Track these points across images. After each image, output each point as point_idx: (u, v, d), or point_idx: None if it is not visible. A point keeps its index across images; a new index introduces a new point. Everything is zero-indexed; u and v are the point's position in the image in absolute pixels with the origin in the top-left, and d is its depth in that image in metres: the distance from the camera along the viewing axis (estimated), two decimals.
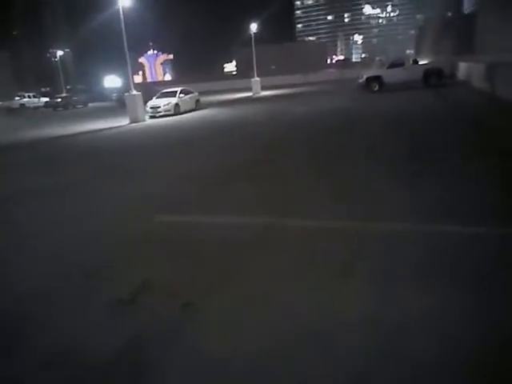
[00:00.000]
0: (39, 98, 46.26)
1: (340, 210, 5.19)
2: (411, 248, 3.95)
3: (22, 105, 44.03)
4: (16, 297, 3.79)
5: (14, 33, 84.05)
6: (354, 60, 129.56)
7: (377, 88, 22.86)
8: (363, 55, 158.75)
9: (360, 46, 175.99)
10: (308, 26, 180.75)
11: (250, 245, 4.43)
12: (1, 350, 3.05)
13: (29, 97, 45.85)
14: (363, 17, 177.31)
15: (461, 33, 58.27)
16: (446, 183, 5.86)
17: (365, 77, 23.65)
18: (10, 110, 42.30)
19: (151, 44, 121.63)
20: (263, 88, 35.94)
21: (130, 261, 4.33)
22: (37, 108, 43.42)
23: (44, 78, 73.05)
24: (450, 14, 67.32)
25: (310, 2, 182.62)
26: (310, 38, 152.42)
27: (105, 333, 3.11)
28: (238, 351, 2.74)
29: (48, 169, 10.33)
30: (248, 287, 3.55)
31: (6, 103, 44.07)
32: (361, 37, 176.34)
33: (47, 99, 43.62)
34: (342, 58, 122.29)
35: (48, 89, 65.32)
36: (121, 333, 3.06)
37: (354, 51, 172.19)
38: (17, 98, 45.04)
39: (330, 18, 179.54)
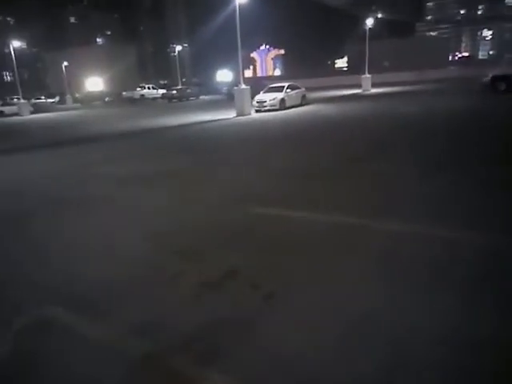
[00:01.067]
0: (157, 89, 49.58)
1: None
2: None
3: (142, 95, 47.54)
4: None
5: (141, 27, 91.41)
6: (480, 57, 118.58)
7: (503, 88, 20.22)
8: (491, 52, 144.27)
9: (488, 43, 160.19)
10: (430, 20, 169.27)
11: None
12: None
13: (148, 88, 49.36)
14: (498, 8, 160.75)
15: None
16: None
17: (490, 75, 21.07)
18: (132, 100, 46.03)
19: (263, 39, 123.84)
20: (374, 85, 34.22)
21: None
22: (155, 99, 46.59)
23: (163, 71, 78.40)
24: None
25: None
26: (432, 33, 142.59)
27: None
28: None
29: (155, 157, 10.71)
30: None
31: (129, 93, 48.04)
32: (490, 32, 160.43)
33: (164, 91, 46.54)
34: (466, 54, 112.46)
35: (166, 81, 70.03)
36: None
37: (481, 48, 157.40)
38: (138, 89, 48.74)
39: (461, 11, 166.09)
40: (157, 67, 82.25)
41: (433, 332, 2.76)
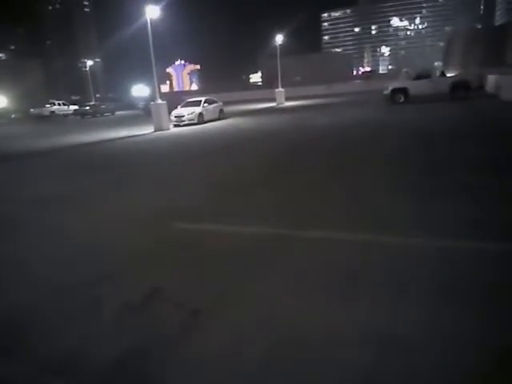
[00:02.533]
0: (69, 105, 47.54)
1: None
2: None
3: (53, 112, 45.30)
4: None
5: (48, 42, 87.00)
6: (380, 71, 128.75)
7: (402, 100, 22.56)
8: (390, 67, 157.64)
9: (387, 58, 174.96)
10: (335, 37, 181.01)
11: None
12: None
13: (59, 104, 47.15)
14: (391, 29, 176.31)
15: (491, 45, 57.15)
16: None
17: (390, 88, 23.37)
18: (41, 117, 43.65)
19: (179, 55, 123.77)
20: (288, 99, 36.00)
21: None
22: (66, 115, 44.65)
23: (74, 86, 75.26)
24: (479, 26, 66.22)
25: (337, 14, 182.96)
26: (337, 50, 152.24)
27: None
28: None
29: (68, 175, 10.50)
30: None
31: (37, 110, 45.48)
32: (388, 48, 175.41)
33: (76, 107, 44.80)
34: (368, 69, 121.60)
35: (78, 97, 67.32)
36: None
37: (380, 63, 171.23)
38: (47, 106, 46.36)
39: (357, 29, 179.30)
40: (68, 82, 78.68)
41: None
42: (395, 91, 22.99)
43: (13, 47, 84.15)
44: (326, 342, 2.85)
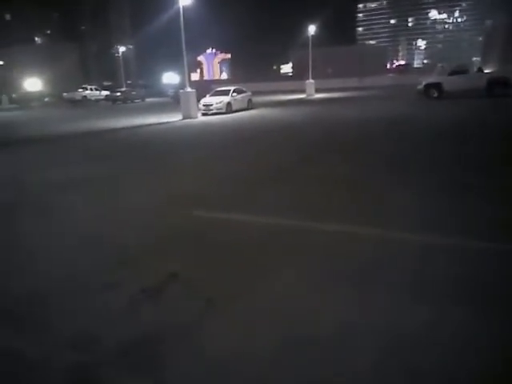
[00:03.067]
0: (100, 91, 48.20)
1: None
2: None
3: (85, 97, 46.02)
4: None
5: (82, 27, 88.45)
6: (415, 65, 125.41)
7: (436, 95, 21.85)
8: (425, 61, 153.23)
9: (423, 52, 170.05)
10: (369, 29, 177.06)
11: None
12: None
13: (91, 89, 47.87)
14: (428, 21, 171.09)
15: None
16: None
17: (424, 83, 22.69)
18: (73, 102, 44.47)
19: (210, 43, 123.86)
20: (318, 90, 35.49)
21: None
22: (98, 101, 45.28)
23: (107, 72, 76.37)
24: None
25: (373, 5, 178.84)
26: (371, 42, 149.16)
27: None
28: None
29: (100, 160, 10.60)
30: None
31: (70, 95, 46.33)
32: (424, 42, 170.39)
33: (108, 93, 45.37)
34: (402, 62, 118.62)
35: (110, 83, 68.24)
36: None
37: (416, 56, 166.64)
38: (79, 90, 47.15)
39: (392, 21, 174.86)
40: (100, 68, 79.92)
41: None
42: (429, 86, 22.30)
43: (48, 31, 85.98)
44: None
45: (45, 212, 6.21)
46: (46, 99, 49.15)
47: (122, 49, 57.04)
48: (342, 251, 4.13)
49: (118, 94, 42.09)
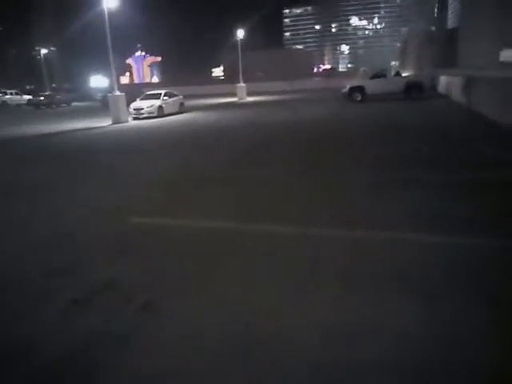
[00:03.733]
0: (22, 95, 45.56)
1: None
2: None
3: (4, 102, 43.32)
4: None
5: (0, 28, 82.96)
6: (340, 69, 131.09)
7: (359, 98, 23.30)
8: (349, 65, 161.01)
9: (347, 56, 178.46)
10: (296, 34, 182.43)
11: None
12: None
13: (11, 94, 45.14)
14: (350, 28, 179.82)
15: (443, 47, 59.53)
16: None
17: (348, 87, 24.08)
18: None
19: (139, 45, 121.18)
20: (249, 94, 36.20)
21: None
22: (19, 105, 42.75)
23: (29, 75, 72.11)
24: (433, 29, 68.87)
25: (298, 11, 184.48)
26: (298, 47, 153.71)
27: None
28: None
29: (27, 166, 10.27)
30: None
31: None
32: (347, 47, 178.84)
33: (30, 97, 43.00)
34: (328, 67, 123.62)
35: (32, 86, 64.54)
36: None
37: (340, 61, 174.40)
38: None
39: (317, 27, 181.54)
40: (21, 71, 75.23)
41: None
42: (353, 89, 23.72)
43: None
44: None
45: None
46: None
47: (43, 51, 54.23)
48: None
49: (42, 98, 40.05)
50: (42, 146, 14.23)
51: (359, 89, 23.53)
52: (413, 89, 22.28)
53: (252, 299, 3.37)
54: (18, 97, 44.75)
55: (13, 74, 72.52)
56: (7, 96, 44.28)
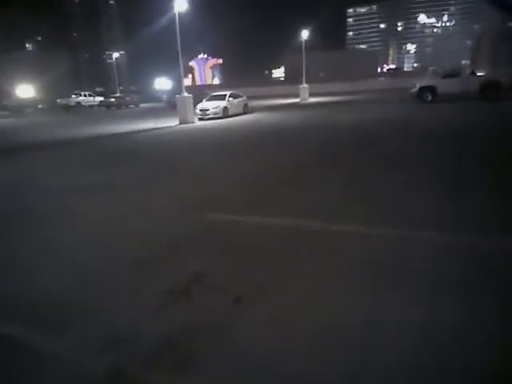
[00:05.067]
0: (94, 96, 48.14)
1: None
2: None
3: (78, 103, 45.95)
4: None
5: (74, 34, 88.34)
6: (405, 69, 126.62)
7: (430, 98, 22.14)
8: (415, 64, 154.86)
9: (413, 55, 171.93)
10: (359, 33, 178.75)
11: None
12: None
13: (84, 95, 47.79)
14: (417, 26, 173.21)
15: None
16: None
17: (418, 86, 22.96)
18: (67, 108, 44.34)
19: (201, 48, 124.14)
20: (311, 95, 35.79)
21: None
22: (92, 106, 45.22)
23: (99, 78, 76.29)
24: (510, 24, 64.40)
25: (362, 10, 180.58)
26: (362, 46, 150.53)
27: None
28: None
29: (109, 166, 10.69)
30: None
31: (63, 101, 46.20)
32: (414, 46, 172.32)
33: (102, 98, 45.34)
34: (393, 66, 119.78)
35: (102, 88, 68.13)
36: None
37: (406, 60, 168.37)
38: (73, 96, 47.04)
39: (382, 26, 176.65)
40: (93, 74, 79.86)
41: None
42: (423, 89, 22.55)
43: (40, 38, 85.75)
44: None
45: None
46: (40, 106, 48.96)
47: (114, 54, 57.06)
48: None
49: (113, 99, 42.17)
50: (122, 144, 15.01)
51: (430, 88, 22.35)
52: (490, 88, 20.78)
53: None
54: (91, 98, 47.31)
55: (85, 76, 77.01)
56: (81, 97, 46.95)
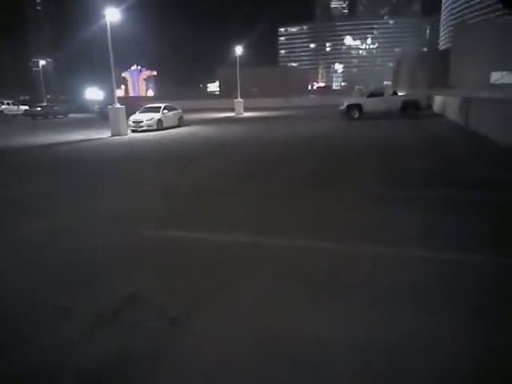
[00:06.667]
0: (18, 105, 45.54)
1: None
2: None
3: (1, 112, 43.25)
4: None
5: None
6: (334, 87, 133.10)
7: (357, 115, 23.66)
8: (343, 83, 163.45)
9: (340, 75, 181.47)
10: (291, 52, 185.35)
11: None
12: None
13: (8, 104, 45.09)
14: (344, 47, 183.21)
15: (435, 67, 60.96)
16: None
17: (346, 104, 24.42)
18: None
19: (135, 59, 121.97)
20: (246, 109, 36.55)
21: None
22: (15, 116, 42.70)
23: (24, 86, 72.18)
24: (425, 50, 70.43)
25: (293, 30, 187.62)
26: (293, 64, 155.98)
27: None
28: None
29: (29, 178, 10.29)
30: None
31: None
32: (341, 66, 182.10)
33: (27, 107, 43.02)
34: (323, 84, 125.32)
35: (27, 97, 64.54)
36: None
37: (334, 79, 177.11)
38: None
39: (312, 45, 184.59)
40: (17, 82, 75.36)
41: None
42: (351, 107, 24.06)
43: None
44: None
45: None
46: None
47: (41, 62, 54.45)
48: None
49: (39, 108, 40.14)
50: (47, 156, 14.22)
51: (357, 106, 23.91)
52: (409, 107, 22.72)
53: None
54: (15, 107, 44.71)
55: (8, 84, 72.57)
56: (3, 106, 44.21)
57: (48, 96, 61.52)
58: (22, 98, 62.64)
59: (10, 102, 46.07)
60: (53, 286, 3.94)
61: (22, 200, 7.63)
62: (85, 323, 3.26)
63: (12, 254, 4.92)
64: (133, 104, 31.11)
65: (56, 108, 41.83)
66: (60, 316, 3.40)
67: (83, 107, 47.70)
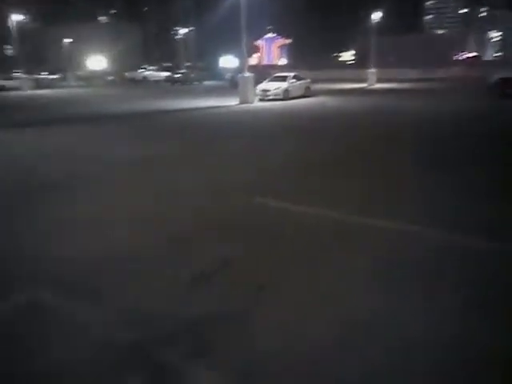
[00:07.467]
0: (160, 72, 49.07)
1: None
2: None
3: (145, 77, 47.11)
4: None
5: (145, 8, 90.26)
6: (485, 58, 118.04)
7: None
8: (498, 54, 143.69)
9: (496, 44, 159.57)
10: (438, 18, 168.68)
11: None
12: None
13: (151, 70, 48.89)
14: (502, 11, 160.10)
15: None
16: None
17: (497, 78, 20.62)
18: (134, 81, 45.65)
19: (270, 27, 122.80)
20: (379, 80, 34.04)
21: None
22: (157, 81, 46.16)
23: (167, 53, 77.49)
24: None
25: None
26: (439, 31, 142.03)
27: None
28: None
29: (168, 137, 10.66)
30: None
31: (132, 74, 47.60)
32: (499, 34, 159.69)
33: (168, 74, 46.11)
34: (472, 54, 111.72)
35: (169, 64, 69.25)
36: None
37: (487, 49, 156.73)
38: (140, 71, 48.25)
39: (463, 10, 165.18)
40: (161, 49, 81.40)
41: None
42: (504, 81, 20.14)
43: (113, 11, 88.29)
44: None
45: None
46: (109, 78, 50.73)
47: (182, 31, 57.52)
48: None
49: (178, 75, 42.80)
50: (182, 119, 15.37)
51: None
52: None
53: None
54: (157, 73, 48.27)
55: (153, 51, 78.71)
56: (147, 72, 48.06)
57: (188, 63, 65.18)
58: (164, 64, 67.33)
59: (153, 68, 49.89)
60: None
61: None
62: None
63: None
64: (264, 72, 31.06)
65: (192, 75, 44.04)
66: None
67: (217, 75, 49.37)
